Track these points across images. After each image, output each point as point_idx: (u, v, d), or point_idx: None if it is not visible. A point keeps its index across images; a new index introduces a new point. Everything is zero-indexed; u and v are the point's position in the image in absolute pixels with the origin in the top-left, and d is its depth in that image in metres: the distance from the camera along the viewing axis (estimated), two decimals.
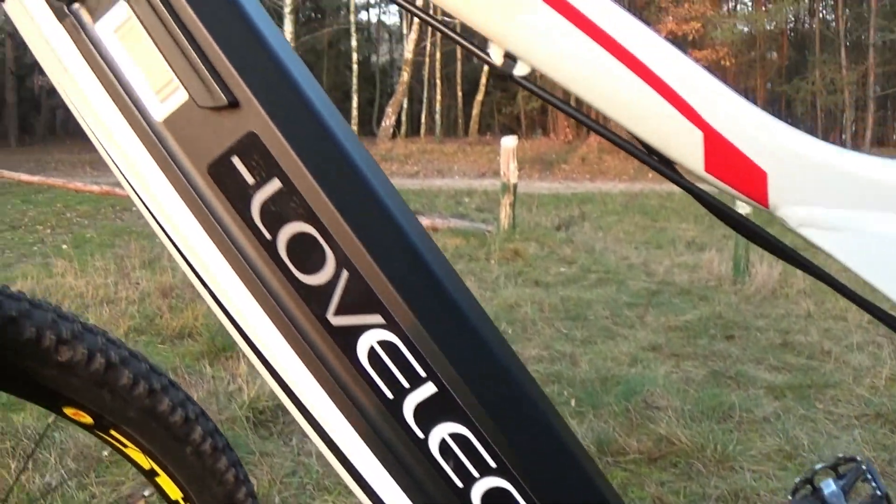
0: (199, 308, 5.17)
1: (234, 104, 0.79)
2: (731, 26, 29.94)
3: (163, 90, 0.80)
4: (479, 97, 33.96)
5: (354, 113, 32.35)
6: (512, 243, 8.45)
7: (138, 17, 0.79)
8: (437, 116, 34.38)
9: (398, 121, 31.30)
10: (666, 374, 4.15)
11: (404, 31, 36.53)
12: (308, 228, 0.80)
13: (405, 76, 29.29)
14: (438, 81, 35.51)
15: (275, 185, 0.80)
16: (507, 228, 9.38)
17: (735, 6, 37.28)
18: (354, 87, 31.29)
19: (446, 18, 0.94)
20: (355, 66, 33.96)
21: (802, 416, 3.56)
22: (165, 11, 0.78)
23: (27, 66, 29.19)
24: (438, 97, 34.60)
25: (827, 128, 34.52)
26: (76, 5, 0.81)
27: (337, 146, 0.80)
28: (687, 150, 0.80)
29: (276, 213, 0.81)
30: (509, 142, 9.51)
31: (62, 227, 10.06)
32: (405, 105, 30.69)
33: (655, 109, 0.79)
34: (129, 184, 0.84)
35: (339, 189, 0.80)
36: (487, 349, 0.83)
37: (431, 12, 0.88)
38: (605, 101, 0.79)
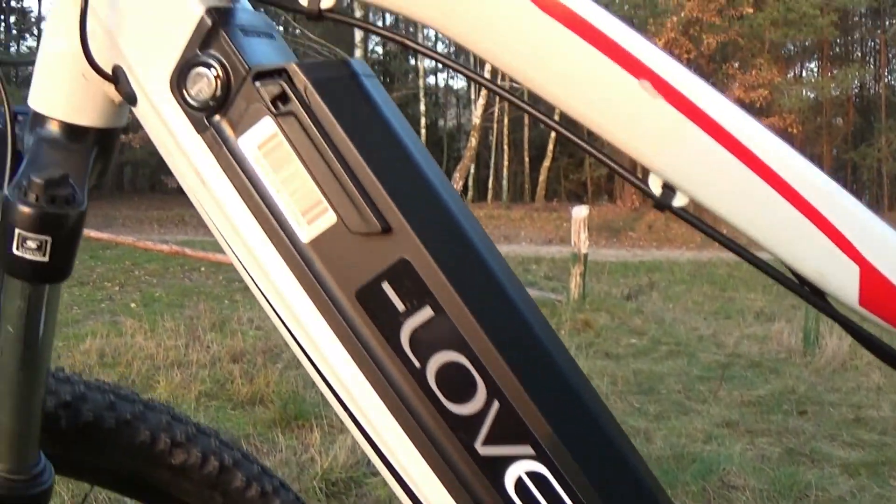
0: (270, 375, 5.25)
1: (386, 230, 0.76)
2: (798, 93, 29.81)
3: (310, 212, 0.78)
4: (547, 163, 33.91)
5: None
6: (582, 313, 8.48)
7: (285, 135, 0.78)
8: (504, 182, 34.45)
9: (465, 186, 31.41)
10: (741, 452, 4.18)
11: (472, 97, 36.74)
12: (459, 357, 0.77)
13: (473, 141, 29.45)
14: (506, 147, 35.53)
15: (426, 312, 0.77)
16: (577, 298, 9.39)
17: (801, 72, 37.16)
18: None
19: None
20: (423, 131, 34.08)
21: (878, 495, 3.58)
22: (315, 131, 0.77)
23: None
24: (506, 162, 34.68)
25: (893, 194, 34.14)
26: (217, 117, 0.79)
27: (489, 274, 0.79)
28: (841, 283, 0.78)
29: (426, 342, 0.78)
30: (580, 212, 9.55)
31: (130, 284, 10.23)
32: (472, 170, 30.85)
33: (813, 242, 0.77)
34: (270, 303, 0.81)
35: (491, 318, 0.78)
36: (645, 489, 0.82)
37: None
38: (762, 231, 0.78)
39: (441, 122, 44.40)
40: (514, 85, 0.92)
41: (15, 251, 0.82)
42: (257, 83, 0.78)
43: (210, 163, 0.80)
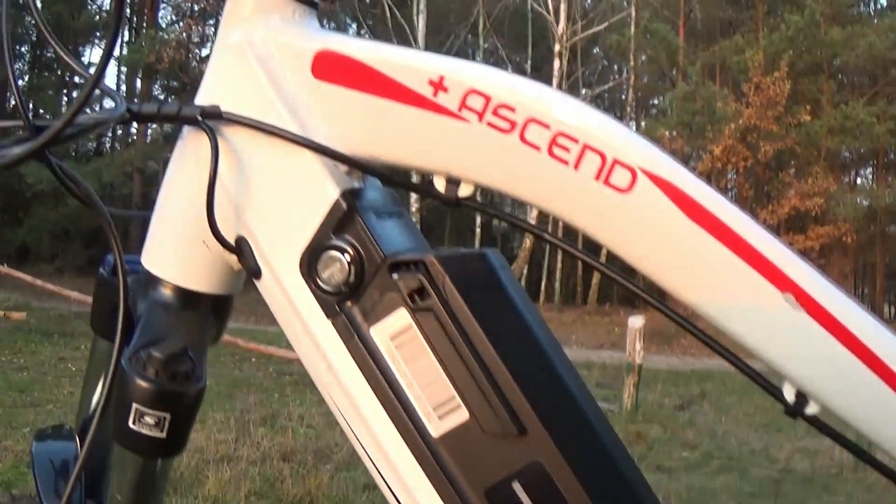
0: (321, 476, 5.24)
1: (521, 432, 0.74)
2: (853, 201, 29.64)
3: (442, 407, 0.76)
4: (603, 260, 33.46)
5: None
6: (635, 424, 8.44)
7: (421, 328, 0.76)
8: (557, 284, 34.36)
9: None
10: None
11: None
12: None
13: (527, 242, 29.47)
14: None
15: None
16: (630, 409, 9.32)
17: (856, 180, 36.98)
18: None
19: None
20: (478, 230, 34.35)
21: None
22: (452, 326, 0.74)
23: (154, 203, 29.81)
24: (559, 264, 34.67)
25: None
26: (349, 303, 0.78)
27: (625, 483, 0.77)
28: None
29: None
30: (636, 322, 9.45)
31: None
32: (525, 271, 30.80)
33: None
34: (394, 495, 0.79)
35: None
36: None
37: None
38: (890, 440, 0.77)
39: (495, 222, 44.48)
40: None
41: (131, 425, 0.80)
42: (394, 274, 0.77)
43: (339, 349, 0.79)
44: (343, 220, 0.79)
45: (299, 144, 0.80)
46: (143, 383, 0.78)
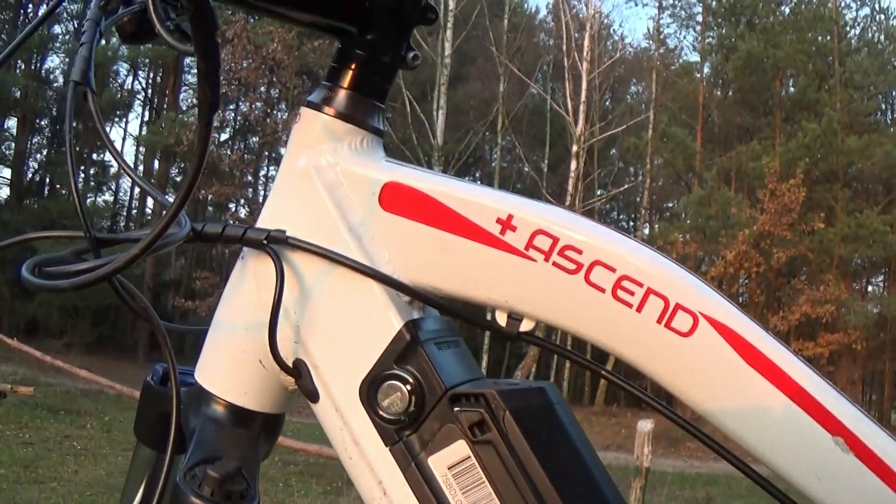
0: None
1: None
2: (864, 309, 29.46)
3: None
4: (608, 367, 33.15)
5: (484, 372, 31.87)
6: None
7: (479, 461, 0.76)
8: (565, 383, 34.08)
9: None
10: None
11: None
12: None
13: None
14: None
15: None
16: None
17: (867, 287, 36.84)
18: (486, 347, 31.56)
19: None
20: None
21: None
22: (512, 461, 0.75)
23: (163, 284, 29.66)
24: (567, 364, 34.40)
25: None
26: (408, 432, 0.78)
27: None
28: None
29: None
30: (645, 426, 9.35)
31: None
32: (533, 370, 30.70)
33: None
34: None
35: None
36: None
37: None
38: None
39: None
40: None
41: None
42: (455, 406, 0.77)
43: (396, 476, 0.79)
44: (405, 350, 0.80)
45: (365, 274, 0.81)
46: (198, 502, 0.77)
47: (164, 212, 0.77)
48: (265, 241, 0.83)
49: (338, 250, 0.82)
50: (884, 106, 35.52)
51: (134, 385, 15.84)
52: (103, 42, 0.98)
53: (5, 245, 0.87)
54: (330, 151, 0.86)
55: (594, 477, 0.79)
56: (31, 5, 31.55)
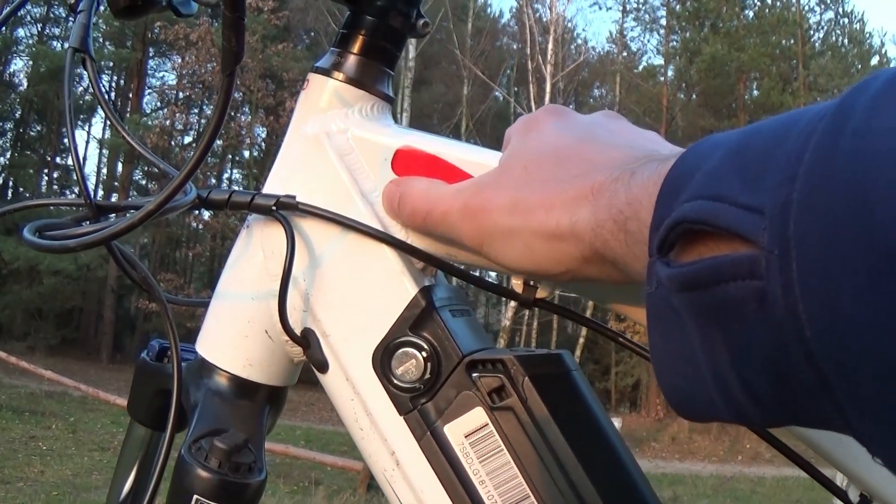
0: None
1: None
2: None
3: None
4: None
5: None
6: None
7: (498, 428, 0.74)
8: None
9: None
10: None
11: (503, 299, 36.80)
12: None
13: (501, 343, 29.36)
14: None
15: None
16: None
17: None
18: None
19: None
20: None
21: None
22: (532, 426, 0.73)
23: (127, 287, 29.51)
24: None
25: None
26: (423, 400, 0.76)
27: None
28: None
29: None
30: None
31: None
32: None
33: None
34: None
35: None
36: None
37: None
38: None
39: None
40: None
41: None
42: (473, 373, 0.75)
43: (410, 446, 0.77)
44: (420, 316, 0.77)
45: (379, 239, 0.79)
46: (205, 474, 0.75)
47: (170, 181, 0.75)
48: (274, 208, 0.80)
49: (350, 215, 0.80)
50: None
51: (98, 386, 15.78)
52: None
53: (5, 211, 0.84)
54: (340, 117, 0.84)
55: (613, 444, 0.76)
56: None
